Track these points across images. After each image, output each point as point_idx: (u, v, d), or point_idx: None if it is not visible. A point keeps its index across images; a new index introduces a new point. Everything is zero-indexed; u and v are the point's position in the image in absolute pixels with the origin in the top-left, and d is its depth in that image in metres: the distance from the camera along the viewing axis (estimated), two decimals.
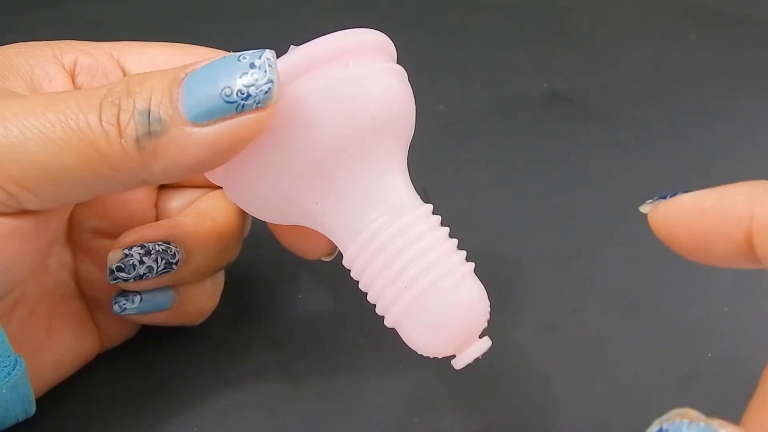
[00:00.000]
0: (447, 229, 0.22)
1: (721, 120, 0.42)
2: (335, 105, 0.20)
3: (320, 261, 0.28)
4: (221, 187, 0.27)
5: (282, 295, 0.31)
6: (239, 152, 0.20)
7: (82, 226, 0.26)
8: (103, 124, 0.19)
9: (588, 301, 0.30)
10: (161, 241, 0.25)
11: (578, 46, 0.49)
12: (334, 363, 0.28)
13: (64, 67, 0.24)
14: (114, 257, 0.25)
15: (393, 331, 0.29)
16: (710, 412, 0.26)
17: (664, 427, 0.17)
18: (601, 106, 0.43)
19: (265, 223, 0.27)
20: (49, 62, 0.23)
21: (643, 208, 0.20)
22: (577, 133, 0.41)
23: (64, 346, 0.25)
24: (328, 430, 0.26)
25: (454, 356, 0.22)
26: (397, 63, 0.23)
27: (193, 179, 0.27)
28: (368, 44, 0.21)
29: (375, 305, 0.22)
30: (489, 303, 0.22)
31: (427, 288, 0.21)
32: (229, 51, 0.26)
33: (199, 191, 0.28)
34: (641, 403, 0.27)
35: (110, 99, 0.19)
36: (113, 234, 0.26)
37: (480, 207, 0.32)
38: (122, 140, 0.19)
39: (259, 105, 0.19)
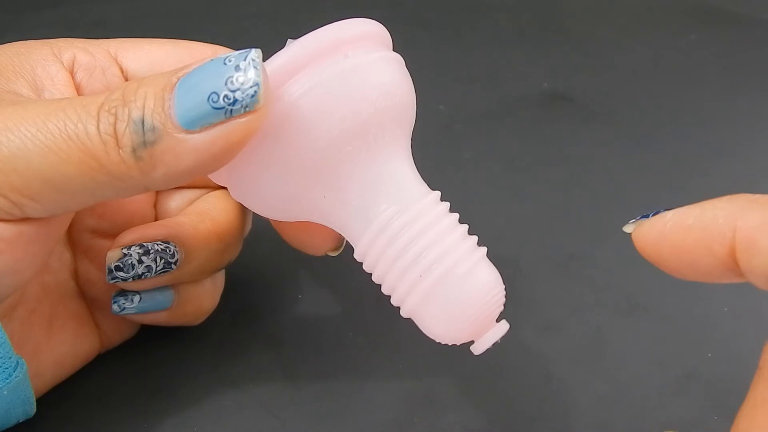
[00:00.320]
0: (457, 215, 0.22)
1: (720, 120, 0.42)
2: (337, 98, 0.20)
3: (320, 260, 0.28)
4: (221, 187, 0.27)
5: (282, 295, 0.31)
6: (237, 154, 0.20)
7: (81, 226, 0.26)
8: (101, 134, 0.19)
9: (588, 301, 0.30)
10: (160, 240, 0.25)
11: (578, 46, 0.49)
12: (334, 363, 0.28)
13: (64, 66, 0.24)
14: (113, 257, 0.25)
15: (392, 331, 0.29)
16: (710, 412, 0.27)
17: None
18: (601, 106, 0.43)
19: (265, 222, 0.27)
20: (49, 61, 0.23)
21: (627, 228, 0.20)
22: (577, 133, 0.41)
23: (64, 346, 0.25)
24: (328, 430, 0.26)
25: (472, 342, 0.22)
26: None
27: (192, 180, 0.27)
28: (365, 34, 0.21)
29: (389, 297, 0.22)
30: (504, 286, 0.22)
31: (441, 276, 0.21)
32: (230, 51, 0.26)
33: (199, 191, 0.28)
34: (641, 403, 0.27)
35: (107, 108, 0.19)
36: (112, 234, 0.26)
37: (480, 207, 0.32)
38: (120, 150, 0.19)
39: (247, 109, 0.19)
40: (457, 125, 0.41)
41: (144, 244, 0.24)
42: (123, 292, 0.25)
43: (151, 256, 0.24)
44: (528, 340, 0.29)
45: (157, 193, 0.28)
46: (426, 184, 0.23)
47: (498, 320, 0.22)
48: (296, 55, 0.20)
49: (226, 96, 0.19)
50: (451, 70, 0.46)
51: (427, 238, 0.21)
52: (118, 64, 0.25)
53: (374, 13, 0.23)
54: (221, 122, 0.19)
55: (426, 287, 0.21)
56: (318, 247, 0.26)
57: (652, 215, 0.19)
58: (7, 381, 0.21)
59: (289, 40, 0.21)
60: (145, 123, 0.19)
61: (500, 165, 0.38)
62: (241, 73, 0.19)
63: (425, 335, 0.29)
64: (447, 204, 0.22)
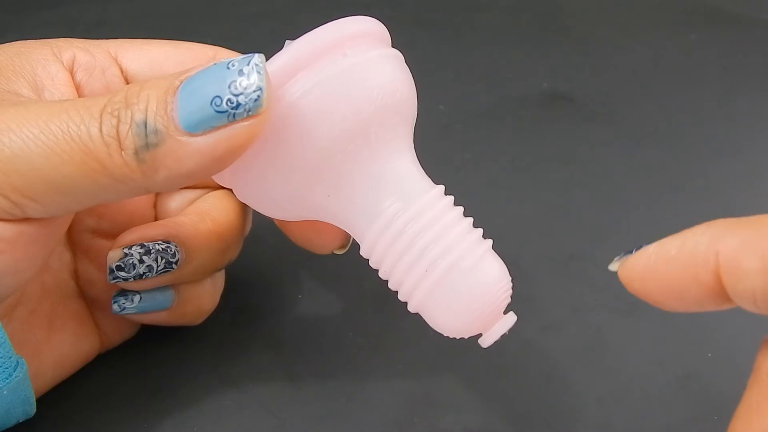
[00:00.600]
0: (461, 209, 0.22)
1: (720, 120, 0.42)
2: (337, 98, 0.20)
3: (320, 261, 0.28)
4: (221, 187, 0.27)
5: (282, 295, 0.31)
6: (238, 157, 0.20)
7: (81, 225, 0.26)
8: (104, 136, 0.19)
9: (588, 301, 0.30)
10: (161, 240, 0.25)
11: (578, 46, 0.49)
12: (334, 363, 0.28)
13: (63, 65, 0.24)
14: (114, 256, 0.25)
15: (392, 331, 0.29)
16: (710, 412, 0.27)
17: None
18: (601, 106, 0.43)
19: (265, 223, 0.27)
20: (49, 61, 0.23)
21: (612, 266, 0.20)
22: (577, 133, 0.41)
23: (64, 346, 0.25)
24: (328, 430, 0.26)
25: (479, 335, 0.22)
26: None
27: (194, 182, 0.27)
28: (363, 32, 0.21)
29: (396, 292, 0.22)
30: (510, 278, 0.22)
31: (448, 270, 0.21)
32: (232, 54, 0.26)
33: (199, 191, 0.28)
34: (641, 403, 0.27)
35: (109, 110, 0.19)
36: (112, 234, 0.26)
37: (480, 207, 0.32)
38: (123, 153, 0.19)
39: (250, 113, 0.19)
40: (457, 125, 0.41)
41: (145, 243, 0.24)
42: (123, 292, 0.25)
43: (152, 255, 0.24)
44: (528, 340, 0.29)
45: (157, 193, 0.28)
46: (430, 179, 0.23)
47: (505, 312, 0.22)
48: (295, 56, 0.20)
49: (229, 100, 0.19)
50: (451, 70, 0.46)
51: (432, 232, 0.21)
52: (117, 64, 0.25)
53: (374, 13, 0.23)
54: (224, 126, 0.19)
55: (432, 281, 0.21)
56: (324, 245, 0.26)
57: (635, 250, 0.19)
58: (7, 381, 0.21)
59: (287, 41, 0.21)
60: (147, 125, 0.19)
61: (500, 165, 0.38)
62: (244, 78, 0.19)
63: (425, 335, 0.29)
64: (451, 198, 0.22)
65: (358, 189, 0.21)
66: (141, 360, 0.28)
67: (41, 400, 0.24)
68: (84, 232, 0.26)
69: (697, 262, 0.17)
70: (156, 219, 0.28)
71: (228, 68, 0.19)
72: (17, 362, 0.22)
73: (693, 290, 0.17)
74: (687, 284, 0.18)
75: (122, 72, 0.25)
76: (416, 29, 0.50)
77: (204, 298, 0.27)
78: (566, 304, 0.30)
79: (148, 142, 0.19)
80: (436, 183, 0.23)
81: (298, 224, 0.25)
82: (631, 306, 0.30)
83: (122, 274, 0.24)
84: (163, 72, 0.25)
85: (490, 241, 0.22)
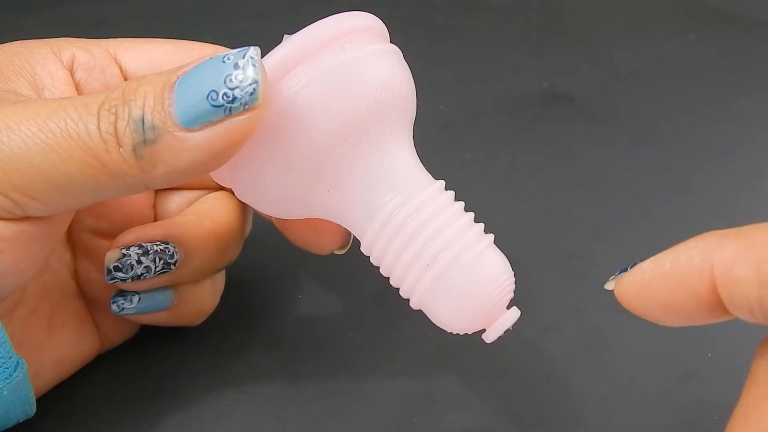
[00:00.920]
0: (462, 204, 0.22)
1: (721, 120, 0.42)
2: (334, 93, 0.20)
3: (320, 261, 0.28)
4: (221, 188, 0.27)
5: (282, 295, 0.31)
6: (236, 152, 0.20)
7: (80, 225, 0.26)
8: (102, 133, 0.19)
9: (588, 301, 0.30)
10: (159, 241, 0.25)
11: (578, 46, 0.49)
12: (334, 363, 0.28)
13: (63, 65, 0.24)
14: (111, 257, 0.25)
15: (393, 331, 0.29)
16: (710, 412, 0.27)
17: None
18: (601, 106, 0.43)
19: (265, 223, 0.27)
20: (49, 60, 0.23)
21: (608, 285, 0.20)
22: (577, 133, 0.41)
23: (64, 346, 0.25)
24: (328, 430, 0.26)
25: (483, 331, 0.22)
26: None
27: (192, 180, 0.27)
28: (360, 27, 0.21)
29: (398, 289, 0.22)
30: (513, 273, 0.22)
31: (449, 265, 0.21)
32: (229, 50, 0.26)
33: (199, 192, 0.28)
34: (641, 403, 0.27)
35: (107, 107, 0.19)
36: (111, 234, 0.26)
37: (480, 207, 0.32)
38: (121, 149, 0.19)
39: (247, 107, 0.19)
40: (457, 125, 0.41)
41: (143, 244, 0.24)
42: (122, 293, 0.25)
43: (150, 256, 0.24)
44: (528, 340, 0.29)
45: (157, 193, 0.28)
46: (430, 174, 0.22)
47: (508, 307, 0.22)
48: (292, 51, 0.20)
49: (225, 94, 0.19)
50: (451, 70, 0.46)
51: (432, 227, 0.21)
52: (117, 63, 0.25)
53: (374, 13, 0.23)
54: (221, 120, 0.19)
55: (434, 277, 0.21)
56: (324, 245, 0.26)
57: (630, 268, 0.19)
58: (7, 381, 0.21)
59: (285, 35, 0.21)
60: (145, 121, 0.19)
61: (500, 165, 0.38)
62: (239, 71, 0.19)
63: (425, 335, 0.29)
64: (452, 193, 0.22)
65: (357, 184, 0.21)
66: (141, 360, 0.28)
67: (41, 400, 0.24)
68: (83, 231, 0.26)
69: (693, 276, 0.17)
70: (155, 219, 0.28)
71: (223, 62, 0.19)
72: (17, 362, 0.22)
73: (690, 304, 0.17)
74: (684, 298, 0.18)
75: (122, 71, 0.25)
76: (416, 29, 0.50)
77: (204, 298, 0.27)
78: (566, 304, 0.30)
79: (146, 138, 0.19)
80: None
81: (297, 224, 0.25)
82: None
83: (120, 274, 0.24)
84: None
85: (491, 236, 0.22)
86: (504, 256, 0.22)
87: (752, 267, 0.16)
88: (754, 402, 0.16)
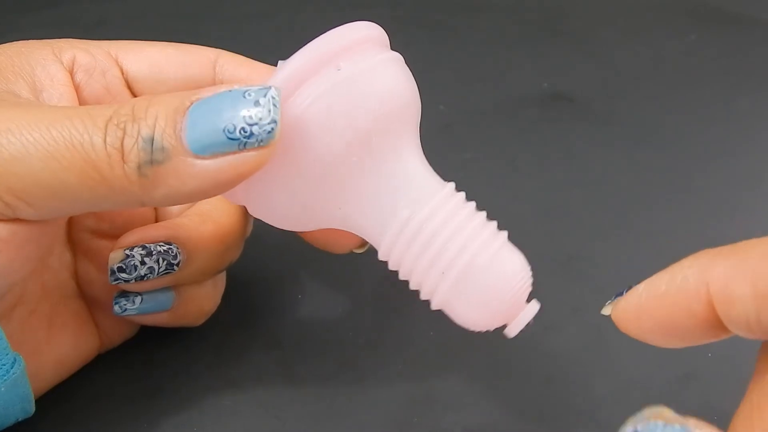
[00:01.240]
0: (473, 204, 0.22)
1: (721, 120, 0.42)
2: (334, 113, 0.20)
3: (320, 261, 0.28)
4: None
5: (282, 295, 0.31)
6: (239, 183, 0.20)
7: (80, 226, 0.26)
8: (107, 147, 0.19)
9: (588, 301, 0.30)
10: (162, 242, 0.25)
11: (578, 46, 0.49)
12: (334, 363, 0.28)
13: (64, 66, 0.24)
14: (115, 257, 0.25)
15: (393, 331, 0.29)
16: (710, 412, 0.26)
17: (639, 428, 0.17)
18: (601, 106, 0.43)
19: (265, 223, 0.27)
20: (49, 62, 0.23)
21: (605, 311, 0.20)
22: (577, 133, 0.41)
23: (65, 346, 0.25)
24: (328, 430, 0.26)
25: (505, 326, 0.22)
26: None
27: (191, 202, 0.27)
28: (359, 40, 0.21)
29: (417, 292, 0.22)
30: (530, 267, 0.22)
31: (467, 267, 0.21)
32: (229, 51, 0.26)
33: None
34: (641, 403, 0.26)
35: (116, 122, 0.19)
36: (112, 235, 0.26)
37: (480, 207, 0.32)
38: (125, 165, 0.19)
39: (262, 144, 0.19)
40: (457, 125, 0.41)
41: (146, 245, 0.24)
42: (124, 294, 0.25)
43: (154, 257, 0.24)
44: (528, 340, 0.29)
45: None
46: (439, 177, 0.23)
47: (527, 301, 0.23)
48: (289, 76, 0.20)
49: (243, 129, 0.19)
50: (451, 70, 0.46)
51: (447, 231, 0.21)
52: (118, 65, 0.25)
53: (374, 14, 0.23)
54: (232, 153, 0.19)
55: (453, 280, 0.21)
56: (342, 245, 0.26)
57: (625, 292, 0.19)
58: (4, 378, 0.21)
59: (280, 62, 0.21)
60: (154, 142, 0.19)
61: (500, 165, 0.38)
62: (260, 109, 0.19)
63: (425, 335, 0.29)
64: (462, 194, 0.22)
65: (367, 197, 0.21)
66: (141, 360, 0.28)
67: (41, 400, 0.24)
68: (83, 232, 0.26)
69: (689, 295, 0.17)
70: (156, 220, 0.28)
71: (244, 97, 0.19)
72: (14, 359, 0.22)
73: (688, 324, 0.18)
74: (681, 318, 0.18)
75: (123, 74, 0.25)
76: (416, 29, 0.50)
77: (205, 299, 0.27)
78: (566, 304, 0.30)
79: (153, 159, 0.19)
80: None
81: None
82: None
83: (123, 275, 0.24)
84: (164, 74, 0.25)
85: (505, 233, 0.23)
86: (519, 253, 0.23)
87: (748, 283, 0.16)
88: (758, 401, 0.16)
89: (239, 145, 0.19)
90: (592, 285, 0.31)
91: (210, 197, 0.21)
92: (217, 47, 0.26)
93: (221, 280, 0.28)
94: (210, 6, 0.53)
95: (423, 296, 0.22)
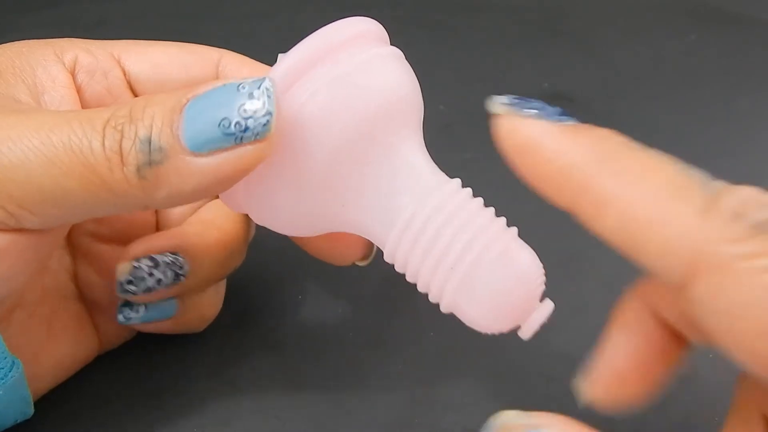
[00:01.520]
0: (481, 200, 0.22)
1: (721, 120, 0.42)
2: (333, 107, 0.20)
3: (320, 262, 0.27)
4: None
5: (282, 296, 0.31)
6: (240, 180, 0.20)
7: (80, 229, 0.26)
8: (106, 150, 0.19)
9: (588, 301, 0.30)
10: (168, 252, 0.24)
11: (578, 46, 0.49)
12: (334, 364, 0.28)
13: (65, 67, 0.24)
14: (123, 270, 0.24)
15: (392, 331, 0.29)
16: (710, 412, 0.27)
17: None
18: (601, 106, 0.43)
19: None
20: (50, 62, 0.23)
21: (495, 108, 0.20)
22: None
23: (64, 349, 0.25)
24: (328, 430, 0.26)
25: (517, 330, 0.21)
26: None
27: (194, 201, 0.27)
28: (355, 34, 0.21)
29: (426, 295, 0.21)
30: (542, 265, 0.21)
31: (475, 265, 0.20)
32: (231, 50, 0.26)
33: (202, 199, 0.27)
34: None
35: (113, 124, 0.19)
36: (111, 239, 0.26)
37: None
38: (124, 168, 0.19)
39: (258, 137, 0.19)
40: (457, 125, 0.41)
41: (153, 256, 0.24)
42: (128, 303, 0.25)
43: (161, 268, 0.24)
44: (528, 340, 0.29)
45: None
46: (444, 173, 0.22)
47: (541, 299, 0.22)
48: (288, 71, 0.20)
49: (238, 123, 0.19)
50: (451, 70, 0.46)
51: (453, 227, 0.20)
52: (120, 66, 0.25)
53: (374, 14, 0.23)
54: (230, 148, 0.19)
55: (461, 279, 0.20)
56: (345, 257, 0.26)
57: (536, 111, 0.19)
58: (3, 381, 0.21)
59: (280, 55, 0.21)
60: (152, 143, 0.19)
61: (500, 165, 0.38)
62: (254, 101, 0.19)
63: (425, 335, 0.29)
64: (468, 190, 0.22)
65: (370, 195, 0.21)
66: (141, 361, 0.28)
67: (41, 401, 0.24)
68: (83, 235, 0.26)
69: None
70: (157, 225, 0.27)
71: (238, 90, 0.19)
72: (13, 362, 0.21)
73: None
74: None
75: (125, 74, 0.25)
76: (416, 29, 0.50)
77: (207, 305, 0.27)
78: (566, 304, 0.30)
79: (152, 160, 0.19)
80: None
81: (316, 237, 0.25)
82: None
83: (132, 287, 0.24)
84: (167, 75, 0.25)
85: (515, 229, 0.22)
86: (530, 250, 0.22)
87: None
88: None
89: (236, 139, 0.19)
90: (592, 285, 0.31)
91: (213, 194, 0.21)
92: (217, 47, 0.26)
93: (222, 285, 0.28)
94: (210, 6, 0.53)
95: (432, 299, 0.21)
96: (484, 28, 0.51)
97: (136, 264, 0.24)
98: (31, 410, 0.23)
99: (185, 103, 0.19)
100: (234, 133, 0.19)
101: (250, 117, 0.19)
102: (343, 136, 0.20)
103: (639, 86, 0.45)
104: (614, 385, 0.18)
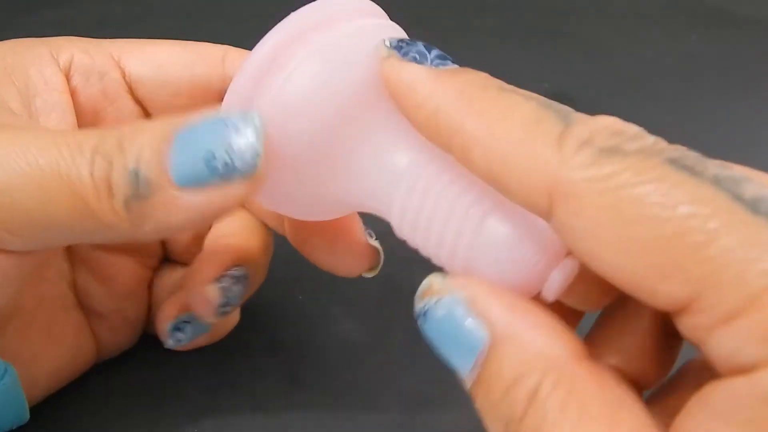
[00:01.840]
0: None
1: (721, 120, 0.42)
2: (312, 86, 0.19)
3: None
4: None
5: (282, 296, 0.31)
6: (228, 214, 0.19)
7: None
8: (95, 180, 0.18)
9: None
10: (234, 265, 0.24)
11: (578, 46, 0.49)
12: (334, 363, 0.28)
13: (60, 68, 0.23)
14: (214, 293, 0.24)
15: (392, 331, 0.29)
16: None
17: (418, 310, 0.19)
18: (602, 106, 0.43)
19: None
20: (45, 62, 0.23)
21: (380, 51, 0.19)
22: None
23: (62, 356, 0.25)
24: (328, 430, 0.26)
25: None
26: None
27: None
28: (334, 13, 0.20)
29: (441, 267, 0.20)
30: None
31: (484, 218, 0.18)
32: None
33: None
34: None
35: (102, 152, 0.18)
36: (110, 246, 0.25)
37: None
38: (113, 200, 0.18)
39: (245, 176, 0.18)
40: None
41: (230, 272, 0.24)
42: (178, 327, 0.25)
43: (236, 281, 0.24)
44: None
45: None
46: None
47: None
48: (262, 57, 0.19)
49: (224, 160, 0.18)
50: None
51: (461, 183, 0.19)
52: (120, 67, 0.24)
53: None
54: (217, 185, 0.18)
55: (471, 238, 0.19)
56: (351, 268, 0.25)
57: (420, 56, 0.19)
58: None
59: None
60: (140, 175, 0.18)
61: None
62: (241, 138, 0.18)
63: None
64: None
65: (369, 166, 0.20)
66: (141, 361, 0.28)
67: (40, 402, 0.24)
68: (82, 243, 0.26)
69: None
70: None
71: (225, 125, 0.18)
72: (5, 368, 0.21)
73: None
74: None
75: (125, 75, 0.24)
76: (416, 29, 0.50)
77: (233, 314, 0.27)
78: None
79: (139, 193, 0.18)
80: None
81: (321, 249, 0.25)
82: None
83: (228, 308, 0.24)
84: (170, 74, 0.24)
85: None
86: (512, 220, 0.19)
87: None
88: None
89: (222, 177, 0.18)
90: None
91: (202, 227, 0.20)
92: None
93: None
94: (210, 6, 0.53)
95: (447, 267, 0.19)
96: (484, 28, 0.51)
97: (221, 285, 0.24)
98: (27, 415, 0.23)
99: (175, 134, 0.18)
100: (219, 170, 0.18)
101: (236, 154, 0.18)
102: (327, 110, 0.19)
103: (639, 86, 0.45)
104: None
